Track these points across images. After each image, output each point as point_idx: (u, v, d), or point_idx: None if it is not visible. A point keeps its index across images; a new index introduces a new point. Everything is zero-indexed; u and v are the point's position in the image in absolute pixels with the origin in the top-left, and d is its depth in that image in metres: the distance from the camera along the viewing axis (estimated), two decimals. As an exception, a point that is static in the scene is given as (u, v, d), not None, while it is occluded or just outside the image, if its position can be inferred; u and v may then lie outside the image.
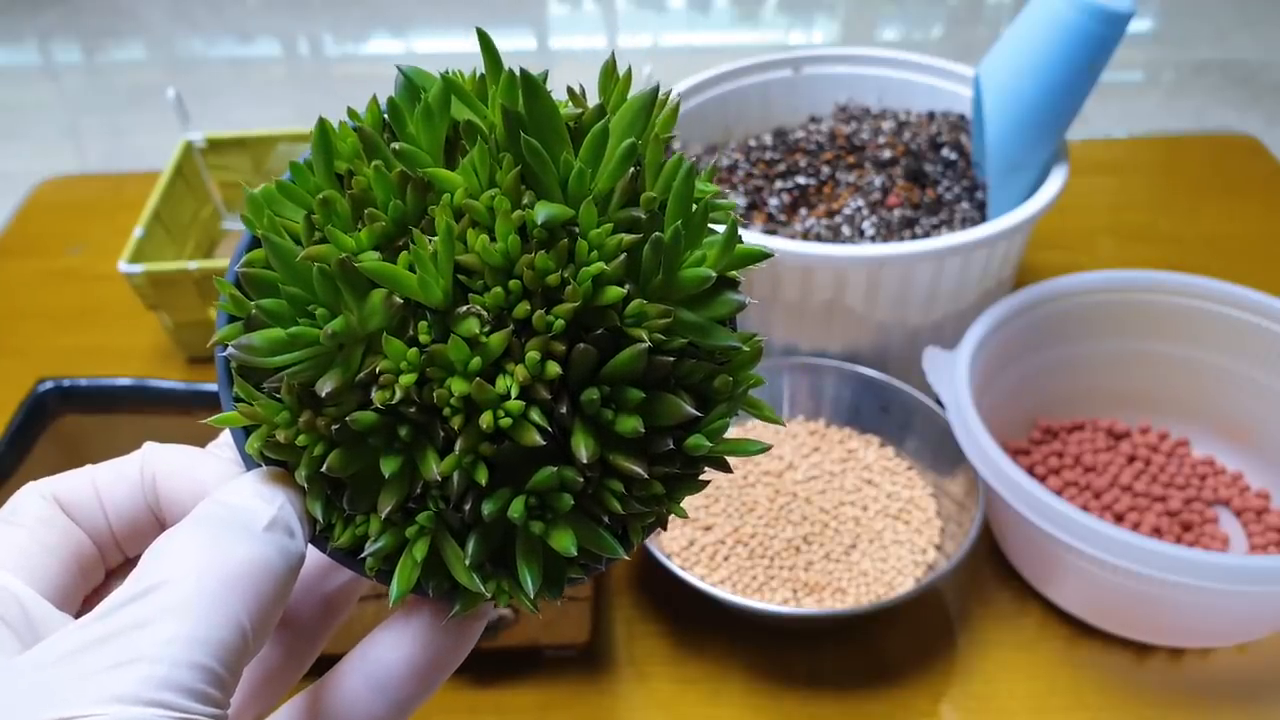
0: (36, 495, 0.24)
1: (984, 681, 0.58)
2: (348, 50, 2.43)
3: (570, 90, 0.24)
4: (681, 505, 0.24)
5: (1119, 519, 0.63)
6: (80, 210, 0.98)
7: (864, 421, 0.68)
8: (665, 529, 0.24)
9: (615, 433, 0.22)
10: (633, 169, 0.22)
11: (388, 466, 0.22)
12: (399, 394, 0.21)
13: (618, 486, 0.22)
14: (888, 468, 0.65)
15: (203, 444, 0.26)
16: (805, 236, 0.70)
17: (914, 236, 0.70)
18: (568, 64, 2.20)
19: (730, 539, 0.61)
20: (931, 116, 0.80)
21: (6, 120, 2.09)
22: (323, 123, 0.23)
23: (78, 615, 0.23)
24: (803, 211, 0.73)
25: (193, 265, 0.73)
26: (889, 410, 0.67)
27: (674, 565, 0.57)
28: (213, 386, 0.61)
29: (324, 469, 0.22)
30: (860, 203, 0.71)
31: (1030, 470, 0.67)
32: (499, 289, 0.21)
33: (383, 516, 0.22)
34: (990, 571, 0.63)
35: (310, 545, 0.23)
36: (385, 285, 0.21)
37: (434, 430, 0.22)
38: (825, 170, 0.75)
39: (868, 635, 0.60)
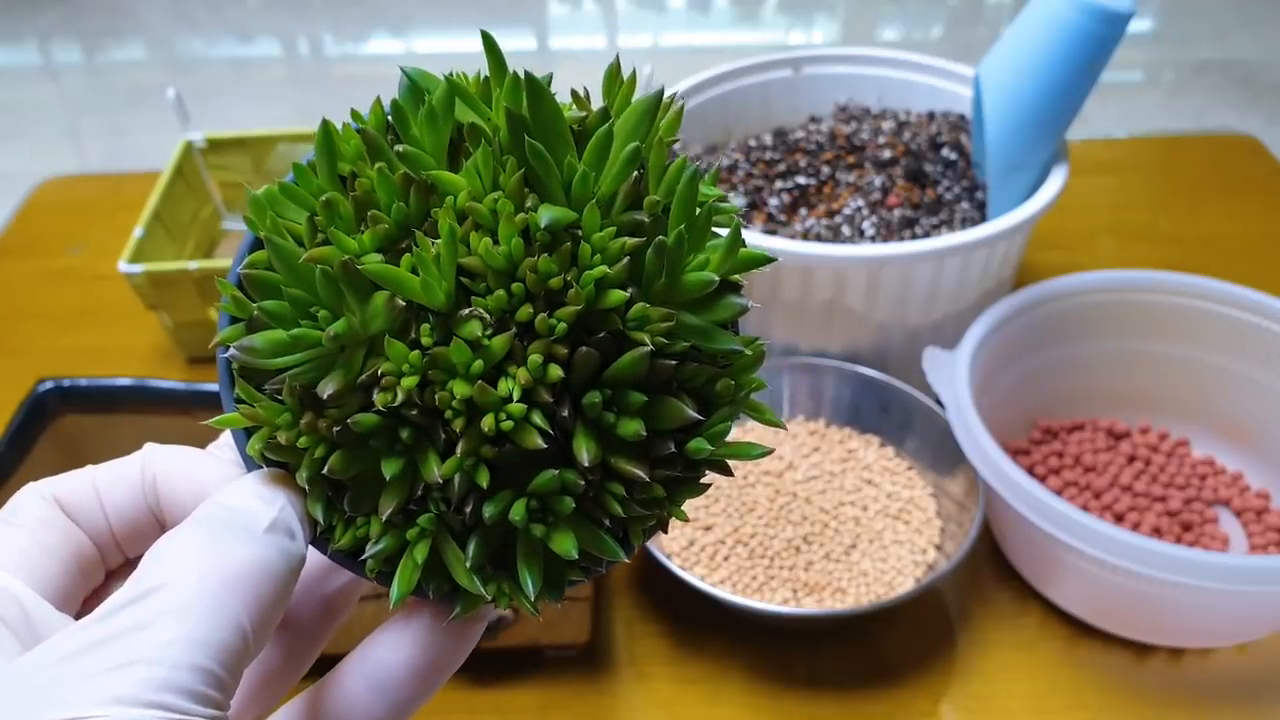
0: (37, 496, 0.24)
1: (984, 681, 0.58)
2: (348, 50, 2.43)
3: (574, 93, 0.24)
4: (682, 508, 0.24)
5: (1119, 519, 0.63)
6: (80, 210, 0.98)
7: (864, 421, 0.68)
8: (666, 531, 0.24)
9: (617, 436, 0.22)
10: (636, 173, 0.22)
11: (389, 469, 0.22)
12: (401, 396, 0.21)
13: (619, 489, 0.22)
14: (888, 468, 0.65)
15: (203, 444, 0.26)
16: (805, 236, 0.70)
17: (914, 236, 0.70)
18: (568, 64, 2.20)
19: (730, 539, 0.61)
20: (931, 116, 0.80)
21: (6, 120, 2.09)
22: (326, 124, 0.23)
23: (78, 616, 0.23)
24: (803, 211, 0.73)
25: (193, 265, 0.72)
26: (889, 410, 0.67)
27: (674, 565, 0.57)
28: (213, 387, 0.61)
29: (325, 471, 0.22)
30: (860, 203, 0.71)
31: (1030, 470, 0.67)
32: (501, 292, 0.21)
33: (384, 518, 0.22)
34: (990, 571, 0.63)
35: (311, 547, 0.23)
36: (388, 287, 0.21)
37: (435, 433, 0.22)
38: (825, 170, 0.75)
39: (868, 635, 0.60)
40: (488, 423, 0.21)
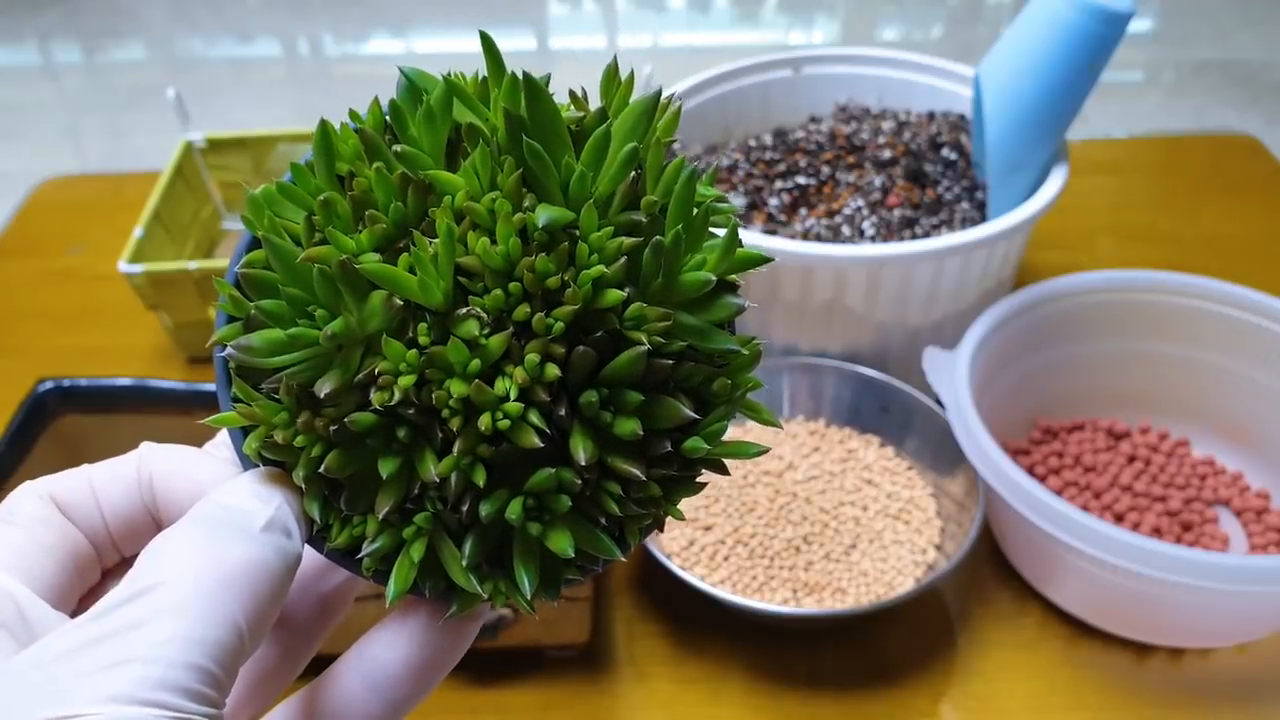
0: (33, 495, 0.24)
1: (984, 681, 0.58)
2: (348, 50, 2.43)
3: (572, 93, 0.24)
4: (679, 507, 0.24)
5: (1119, 519, 0.63)
6: (80, 210, 0.99)
7: (864, 421, 0.68)
8: (662, 530, 0.24)
9: (613, 435, 0.22)
10: (634, 173, 0.22)
11: (386, 467, 0.22)
12: (398, 395, 0.21)
13: (615, 488, 0.22)
14: (888, 468, 0.65)
15: (202, 444, 0.26)
16: (805, 236, 0.70)
17: (914, 236, 0.70)
18: (568, 64, 2.20)
19: (730, 539, 0.61)
20: (931, 116, 0.80)
21: (6, 120, 2.09)
22: (324, 124, 0.23)
23: (74, 615, 0.23)
24: (803, 211, 0.73)
25: (193, 265, 0.73)
26: (889, 410, 0.67)
27: (674, 565, 0.57)
28: (212, 386, 0.61)
29: (322, 469, 0.22)
30: (860, 203, 0.71)
31: (1030, 470, 0.67)
32: (499, 291, 0.21)
33: (380, 517, 0.22)
34: (990, 571, 0.63)
35: (307, 546, 0.23)
36: (385, 287, 0.21)
37: (432, 432, 0.22)
38: (825, 170, 0.75)
39: (868, 635, 0.60)
40: (484, 422, 0.21)
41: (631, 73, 0.24)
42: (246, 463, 0.23)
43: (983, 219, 0.71)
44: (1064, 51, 0.64)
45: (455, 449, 0.21)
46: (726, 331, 0.23)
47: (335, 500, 0.23)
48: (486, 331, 0.21)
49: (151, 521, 0.24)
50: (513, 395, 0.21)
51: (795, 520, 0.62)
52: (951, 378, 0.61)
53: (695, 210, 0.23)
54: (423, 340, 0.21)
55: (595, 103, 0.24)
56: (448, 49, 2.32)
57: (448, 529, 0.23)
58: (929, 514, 0.63)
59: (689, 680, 0.59)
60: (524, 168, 0.22)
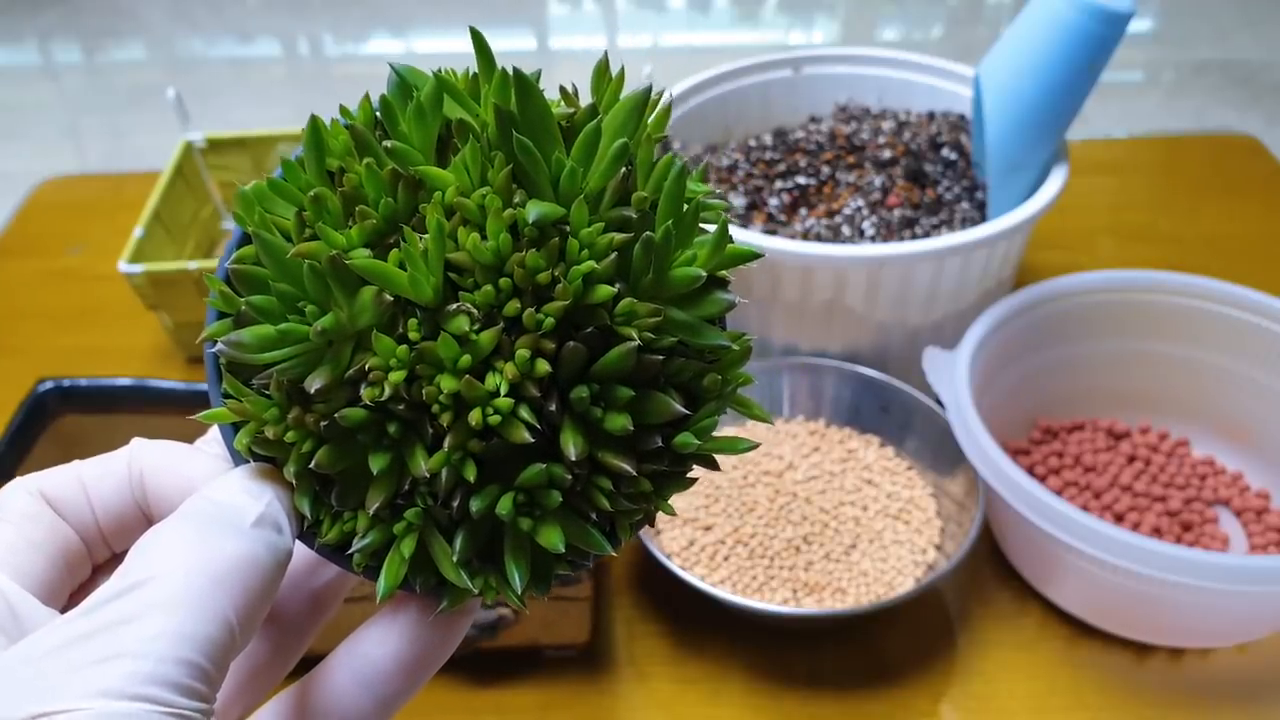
0: (23, 491, 0.24)
1: (984, 681, 0.58)
2: (348, 50, 2.43)
3: (563, 89, 0.24)
4: (670, 502, 0.24)
5: (1119, 519, 0.63)
6: (80, 210, 0.99)
7: (864, 421, 0.68)
8: (653, 525, 0.24)
9: (604, 430, 0.22)
10: (624, 169, 0.22)
11: (376, 463, 0.21)
12: (388, 391, 0.21)
13: (606, 484, 0.22)
14: (888, 468, 0.65)
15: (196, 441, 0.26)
16: (805, 236, 0.70)
17: (914, 236, 0.70)
18: (567, 64, 2.20)
19: (730, 539, 0.61)
20: (931, 116, 0.80)
21: (6, 120, 2.09)
22: (315, 120, 0.23)
23: (64, 611, 0.23)
24: (803, 211, 0.73)
25: (193, 265, 0.73)
26: (889, 410, 0.67)
27: (674, 565, 0.57)
28: (210, 386, 0.61)
29: (312, 465, 0.22)
30: (860, 203, 0.71)
31: (1030, 470, 0.66)
32: (489, 287, 0.21)
33: (371, 513, 0.22)
34: (990, 571, 0.63)
35: (298, 541, 0.23)
36: (376, 282, 0.21)
37: (423, 427, 0.22)
38: (825, 170, 0.75)
39: (868, 635, 0.60)
40: (475, 417, 0.21)
41: (622, 69, 0.24)
42: (237, 458, 0.23)
43: (983, 219, 0.71)
44: (1064, 51, 0.64)
45: (446, 444, 0.21)
46: (717, 327, 0.23)
47: (326, 496, 0.23)
48: (477, 327, 0.21)
49: (142, 517, 0.24)
50: (503, 391, 0.21)
51: (795, 520, 0.62)
52: (951, 378, 0.60)
53: (686, 206, 0.23)
54: (413, 336, 0.21)
55: (586, 99, 0.24)
56: (447, 49, 2.32)
57: (438, 524, 0.23)
58: (929, 514, 0.62)
59: (689, 680, 0.59)
60: (514, 163, 0.22)
